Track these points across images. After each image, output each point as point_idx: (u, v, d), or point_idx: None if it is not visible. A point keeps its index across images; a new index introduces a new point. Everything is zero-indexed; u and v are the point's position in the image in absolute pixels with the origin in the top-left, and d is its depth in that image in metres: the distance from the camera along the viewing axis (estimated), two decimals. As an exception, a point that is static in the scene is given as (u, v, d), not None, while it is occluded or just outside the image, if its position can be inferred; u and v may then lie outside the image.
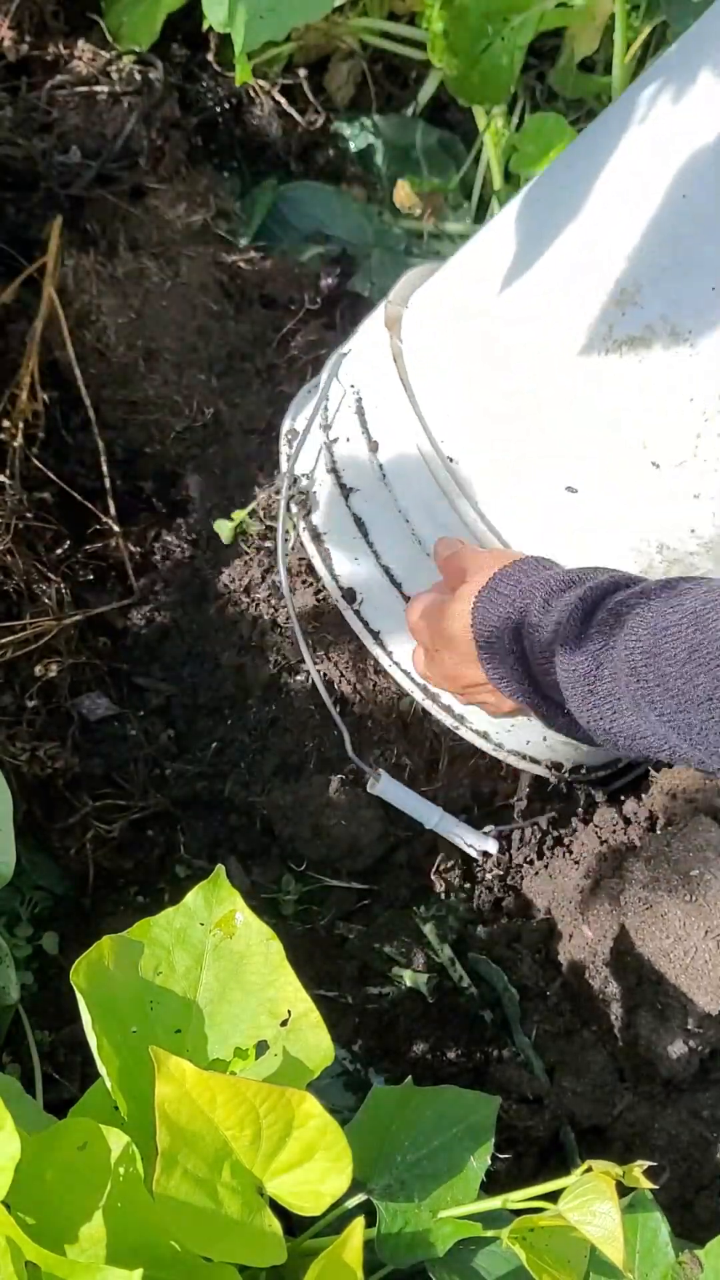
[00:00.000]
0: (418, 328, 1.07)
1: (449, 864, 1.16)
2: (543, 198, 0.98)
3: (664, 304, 0.83)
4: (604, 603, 0.75)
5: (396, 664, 1.08)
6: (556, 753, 1.13)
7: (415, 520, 1.02)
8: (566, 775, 1.16)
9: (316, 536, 1.09)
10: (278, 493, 1.13)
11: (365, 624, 1.08)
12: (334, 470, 1.08)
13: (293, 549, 1.12)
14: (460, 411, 1.00)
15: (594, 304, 0.86)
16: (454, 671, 0.89)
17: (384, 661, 1.08)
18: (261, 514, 1.19)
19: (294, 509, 1.10)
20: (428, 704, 1.08)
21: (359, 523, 1.06)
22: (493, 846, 1.14)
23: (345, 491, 1.06)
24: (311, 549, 1.09)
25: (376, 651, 1.08)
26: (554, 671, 0.77)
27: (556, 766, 1.14)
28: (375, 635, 1.08)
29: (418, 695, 1.08)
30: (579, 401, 0.90)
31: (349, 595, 1.07)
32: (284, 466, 1.13)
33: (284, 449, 1.15)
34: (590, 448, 0.91)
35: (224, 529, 1.19)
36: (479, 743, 1.10)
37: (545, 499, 0.94)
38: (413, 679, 1.07)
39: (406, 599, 1.04)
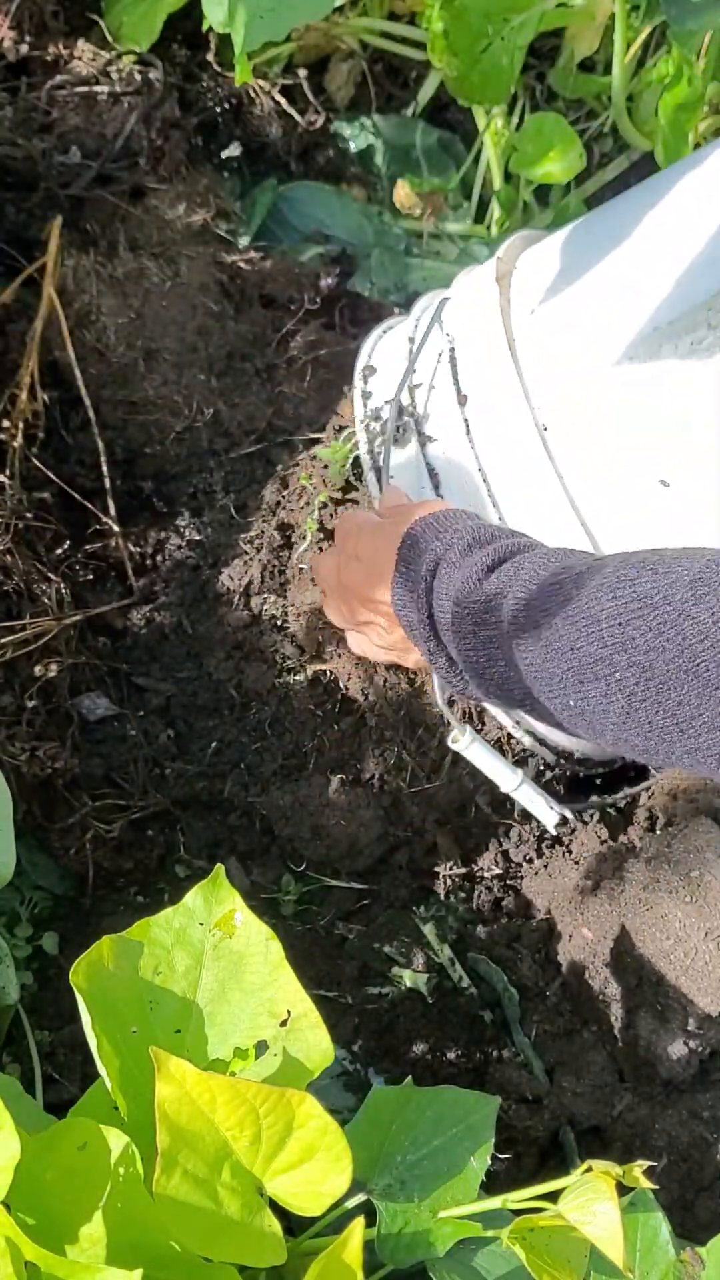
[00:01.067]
0: (523, 294, 1.03)
1: (449, 864, 1.16)
2: (621, 220, 0.96)
3: None
4: (511, 559, 0.81)
5: None
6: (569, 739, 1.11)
7: (495, 482, 0.98)
8: (572, 765, 1.14)
9: (383, 479, 1.06)
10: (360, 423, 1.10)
11: None
12: (413, 415, 1.04)
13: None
14: (559, 386, 0.96)
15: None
16: (361, 583, 0.92)
17: None
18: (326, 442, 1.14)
19: (370, 443, 1.07)
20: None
21: (432, 473, 1.03)
22: (568, 813, 1.11)
23: (422, 440, 1.03)
24: (375, 491, 1.06)
25: None
26: (449, 610, 0.82)
27: (566, 756, 1.14)
28: None
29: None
30: (665, 403, 0.88)
31: None
32: (358, 404, 1.09)
33: (359, 384, 1.12)
34: (680, 448, 0.89)
35: (327, 453, 1.15)
36: (500, 715, 1.09)
37: (637, 491, 0.91)
38: None
39: None
